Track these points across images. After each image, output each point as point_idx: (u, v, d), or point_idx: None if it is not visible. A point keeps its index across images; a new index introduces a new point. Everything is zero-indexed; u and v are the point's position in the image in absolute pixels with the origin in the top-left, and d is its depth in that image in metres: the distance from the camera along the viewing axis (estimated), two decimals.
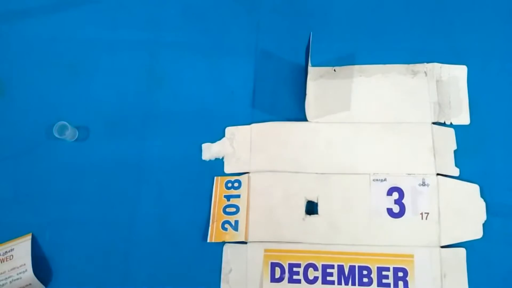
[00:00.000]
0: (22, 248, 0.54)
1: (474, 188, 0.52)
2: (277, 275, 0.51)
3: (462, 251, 0.50)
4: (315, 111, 0.55)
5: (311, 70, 0.53)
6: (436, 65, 0.56)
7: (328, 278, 0.50)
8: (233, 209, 0.53)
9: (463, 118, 0.54)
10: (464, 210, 0.51)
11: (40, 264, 0.54)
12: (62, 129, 0.57)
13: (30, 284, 0.52)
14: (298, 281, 0.50)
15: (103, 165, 0.58)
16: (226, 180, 0.55)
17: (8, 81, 0.62)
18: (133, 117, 0.59)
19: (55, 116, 0.58)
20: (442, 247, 0.50)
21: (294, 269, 0.50)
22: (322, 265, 0.50)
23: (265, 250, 0.51)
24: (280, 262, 0.51)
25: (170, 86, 0.60)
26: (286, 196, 0.53)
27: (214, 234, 0.53)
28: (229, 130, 0.57)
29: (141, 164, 0.57)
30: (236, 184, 0.54)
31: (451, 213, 0.51)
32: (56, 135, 0.56)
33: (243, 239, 0.52)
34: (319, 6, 0.60)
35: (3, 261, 0.54)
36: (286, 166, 0.54)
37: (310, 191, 0.53)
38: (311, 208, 0.53)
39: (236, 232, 0.52)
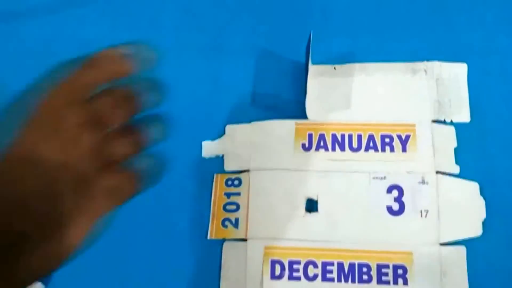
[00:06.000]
0: None
1: (474, 186, 0.52)
2: (277, 272, 0.50)
3: (462, 249, 0.50)
4: (315, 109, 0.55)
5: (312, 68, 0.53)
6: (436, 63, 0.56)
7: (328, 275, 0.50)
8: (234, 207, 0.53)
9: (464, 115, 0.54)
10: (464, 208, 0.51)
11: None
12: None
13: None
14: (298, 278, 0.50)
15: None
16: (226, 178, 0.55)
17: (8, 81, 0.62)
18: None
19: None
20: (441, 244, 0.50)
21: (294, 266, 0.50)
22: (322, 262, 0.50)
23: (266, 247, 0.51)
24: (280, 259, 0.51)
25: (170, 85, 0.59)
26: (286, 194, 0.53)
27: (214, 231, 0.53)
28: (229, 128, 0.57)
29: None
30: (236, 182, 0.54)
31: (451, 211, 0.51)
32: None
33: (243, 236, 0.52)
34: (319, 5, 0.60)
35: None
36: (286, 164, 0.54)
37: (310, 189, 0.53)
38: (311, 206, 0.53)
39: (236, 229, 0.52)
